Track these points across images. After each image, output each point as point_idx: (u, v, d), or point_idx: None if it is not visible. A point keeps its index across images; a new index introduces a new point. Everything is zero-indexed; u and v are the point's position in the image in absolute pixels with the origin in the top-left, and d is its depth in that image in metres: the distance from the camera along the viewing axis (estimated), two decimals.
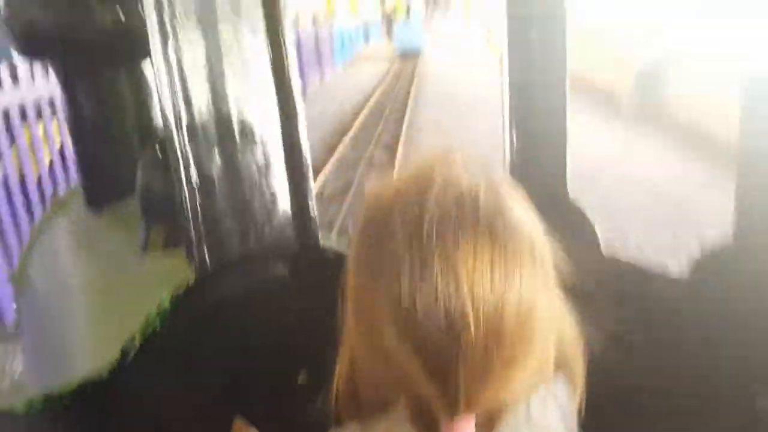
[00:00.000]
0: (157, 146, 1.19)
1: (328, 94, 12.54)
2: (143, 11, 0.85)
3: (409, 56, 19.65)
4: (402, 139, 8.37)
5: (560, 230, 0.57)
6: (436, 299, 0.50)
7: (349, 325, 0.60)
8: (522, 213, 0.55)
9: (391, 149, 8.02)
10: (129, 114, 1.46)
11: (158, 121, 1.35)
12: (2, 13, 1.31)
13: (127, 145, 1.43)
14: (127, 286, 1.18)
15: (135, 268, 1.19)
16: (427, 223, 0.52)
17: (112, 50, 1.37)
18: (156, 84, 0.83)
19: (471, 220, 0.52)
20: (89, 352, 1.10)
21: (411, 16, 23.69)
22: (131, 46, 1.31)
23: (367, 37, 25.59)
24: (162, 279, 1.02)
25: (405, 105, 11.08)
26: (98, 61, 1.42)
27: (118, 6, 1.27)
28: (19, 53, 1.45)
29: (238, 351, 0.91)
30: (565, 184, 1.19)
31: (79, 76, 1.45)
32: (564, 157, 1.19)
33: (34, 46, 1.43)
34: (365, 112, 10.65)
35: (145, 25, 0.85)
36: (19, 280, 1.74)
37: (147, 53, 0.89)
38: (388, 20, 26.84)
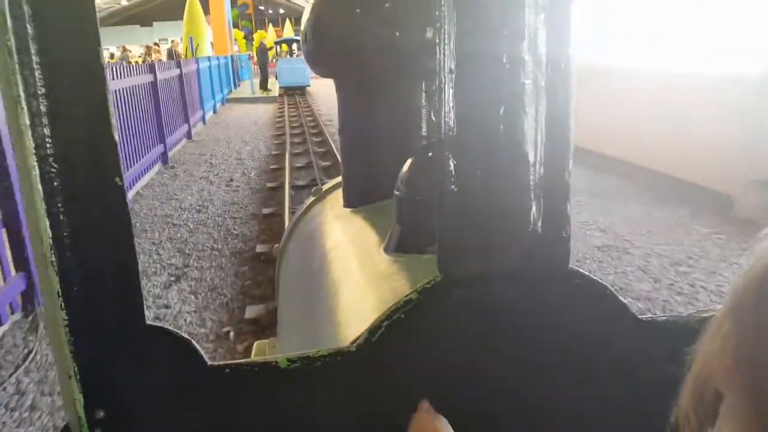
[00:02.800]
0: (424, 154, 1.40)
1: None
2: (425, 33, 1.29)
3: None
4: None
5: None
6: None
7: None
8: None
9: None
10: (395, 128, 1.67)
11: (423, 133, 1.64)
12: (307, 38, 1.69)
13: (389, 156, 1.61)
14: (373, 277, 1.32)
15: (381, 263, 1.34)
16: None
17: (388, 69, 1.60)
18: (432, 98, 1.03)
19: None
20: (335, 327, 1.26)
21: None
22: (404, 65, 1.56)
23: None
24: (406, 276, 1.22)
25: None
26: (374, 78, 1.67)
27: (396, 30, 1.51)
28: (312, 70, 1.79)
29: (460, 362, 0.96)
30: None
31: (356, 92, 1.75)
32: None
33: (325, 66, 1.78)
34: None
35: (417, 47, 1.29)
36: (281, 252, 2.12)
37: (418, 72, 1.35)
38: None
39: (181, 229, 5.91)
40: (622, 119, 7.77)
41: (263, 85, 23.69)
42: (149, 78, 8.75)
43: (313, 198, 2.11)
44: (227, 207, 6.70)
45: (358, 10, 1.52)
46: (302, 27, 1.65)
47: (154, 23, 55.72)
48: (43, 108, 0.74)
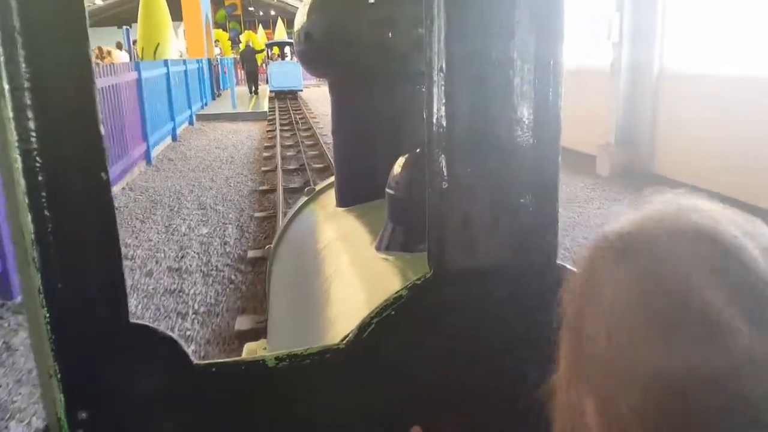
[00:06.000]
0: (415, 152, 1.38)
1: None
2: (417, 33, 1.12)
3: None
4: None
5: None
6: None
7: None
8: None
9: None
10: (387, 128, 1.65)
11: (415, 132, 1.50)
12: (300, 38, 1.68)
13: (382, 155, 1.56)
14: (365, 276, 1.32)
15: (373, 261, 1.31)
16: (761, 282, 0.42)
17: (380, 69, 1.59)
18: (422, 96, 0.90)
19: None
20: (325, 326, 1.22)
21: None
22: (396, 65, 1.54)
23: None
24: (398, 274, 1.21)
25: None
26: (367, 78, 1.65)
27: (389, 30, 1.51)
28: (306, 70, 1.80)
29: (449, 358, 0.94)
30: None
31: (349, 91, 1.74)
32: None
33: (318, 66, 1.80)
34: None
35: (410, 47, 1.20)
36: (273, 253, 2.08)
37: (410, 72, 1.23)
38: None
39: None
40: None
41: (252, 91, 20.88)
42: None
43: (305, 198, 2.08)
44: None
45: (350, 11, 1.56)
46: (295, 27, 1.66)
47: (133, 24, 50.91)
48: (28, 101, 0.72)
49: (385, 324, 0.91)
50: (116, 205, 5.46)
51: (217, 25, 34.02)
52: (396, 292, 0.92)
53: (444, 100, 0.86)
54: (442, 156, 0.88)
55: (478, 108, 0.88)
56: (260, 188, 7.27)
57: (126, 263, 4.71)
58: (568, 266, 0.94)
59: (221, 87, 21.61)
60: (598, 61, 8.04)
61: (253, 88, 21.14)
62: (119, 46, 19.41)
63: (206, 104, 17.35)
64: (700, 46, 6.91)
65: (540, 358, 0.64)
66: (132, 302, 4.06)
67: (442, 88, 0.86)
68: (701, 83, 6.68)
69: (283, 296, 1.79)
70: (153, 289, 4.28)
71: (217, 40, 27.50)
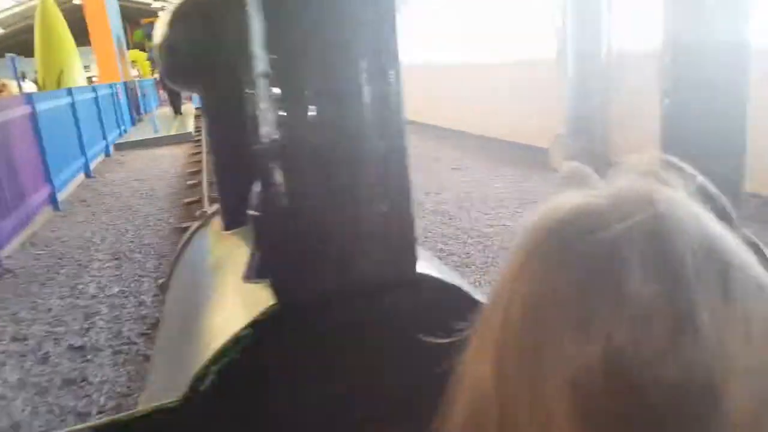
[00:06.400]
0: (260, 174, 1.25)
1: None
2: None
3: None
4: None
5: None
6: (690, 366, 0.36)
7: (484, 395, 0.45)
8: None
9: None
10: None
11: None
12: (154, 50, 1.49)
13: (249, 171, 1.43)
14: (229, 311, 1.13)
15: (240, 292, 1.15)
16: (688, 265, 0.38)
17: (247, 81, 1.37)
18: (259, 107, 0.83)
19: (728, 266, 0.38)
20: (184, 373, 1.03)
21: None
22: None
23: None
24: (250, 308, 1.00)
25: None
26: (235, 92, 1.49)
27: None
28: (175, 87, 1.65)
29: (314, 392, 0.86)
30: None
31: (219, 106, 1.60)
32: None
33: (184, 82, 1.67)
34: None
35: None
36: (165, 287, 1.92)
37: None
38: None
39: None
40: None
41: (176, 111, 19.63)
42: None
43: (198, 223, 1.90)
44: None
45: (215, 18, 1.45)
46: (157, 42, 1.53)
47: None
48: None
49: (229, 370, 0.81)
50: (12, 267, 4.44)
51: (135, 45, 32.33)
52: (237, 332, 0.83)
53: (277, 111, 0.78)
54: (281, 174, 0.80)
55: (317, 118, 0.79)
56: (183, 224, 6.37)
57: (15, 347, 3.79)
58: (427, 274, 0.90)
59: (141, 111, 20.29)
60: (546, 49, 7.53)
61: (177, 109, 20.01)
62: (23, 76, 17.80)
63: (125, 131, 16.09)
64: (649, 20, 6.46)
65: (415, 373, 0.56)
66: (17, 404, 3.16)
67: (270, 97, 0.78)
68: (652, 61, 6.23)
69: (162, 337, 1.62)
70: (48, 381, 3.38)
71: (134, 61, 25.93)
